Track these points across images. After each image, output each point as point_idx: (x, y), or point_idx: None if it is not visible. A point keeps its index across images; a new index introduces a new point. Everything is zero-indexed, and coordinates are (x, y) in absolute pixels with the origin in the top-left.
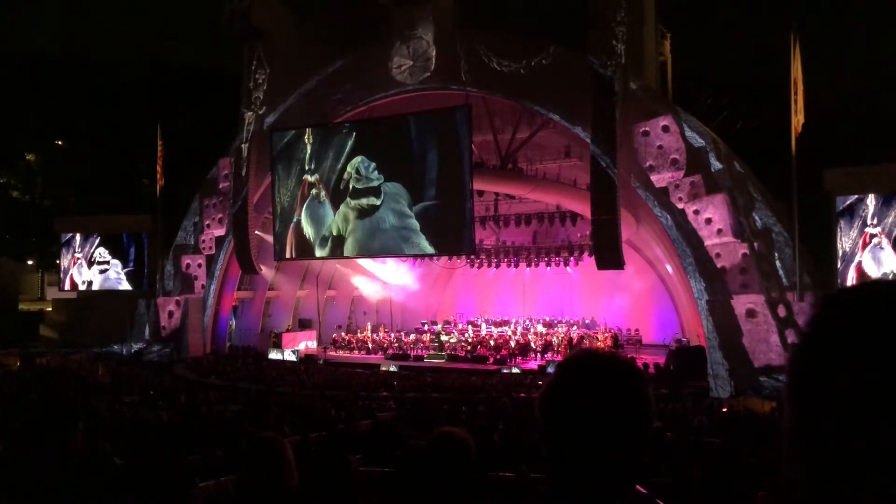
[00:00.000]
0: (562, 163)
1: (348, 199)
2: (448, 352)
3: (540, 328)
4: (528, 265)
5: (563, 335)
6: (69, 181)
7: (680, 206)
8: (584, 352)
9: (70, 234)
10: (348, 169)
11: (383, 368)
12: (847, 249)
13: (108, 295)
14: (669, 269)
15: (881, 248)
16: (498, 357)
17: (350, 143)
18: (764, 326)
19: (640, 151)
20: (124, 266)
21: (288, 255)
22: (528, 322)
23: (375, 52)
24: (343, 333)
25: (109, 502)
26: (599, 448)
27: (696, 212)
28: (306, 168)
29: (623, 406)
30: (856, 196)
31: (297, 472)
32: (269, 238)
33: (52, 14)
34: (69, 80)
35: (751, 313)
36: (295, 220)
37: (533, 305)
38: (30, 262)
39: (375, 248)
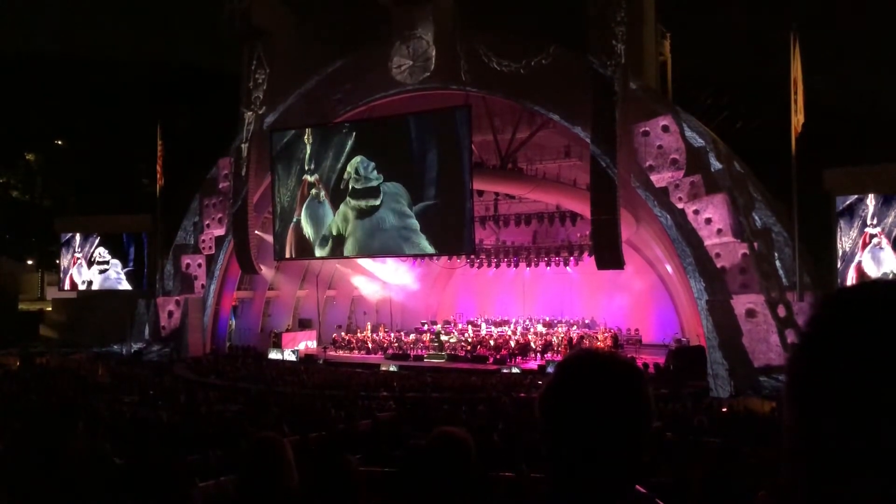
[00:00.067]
0: (562, 163)
1: (348, 198)
2: (448, 352)
3: (540, 328)
4: (528, 265)
5: (562, 335)
6: (69, 181)
7: (680, 205)
8: (584, 352)
9: (70, 234)
10: (348, 169)
11: (383, 368)
12: (847, 249)
13: (108, 295)
14: (669, 268)
15: (881, 248)
16: (498, 357)
17: (350, 142)
18: (764, 326)
19: (640, 151)
20: (124, 266)
21: (287, 255)
22: (527, 322)
23: (375, 52)
24: (343, 333)
25: (109, 502)
26: (599, 448)
27: (696, 212)
28: (306, 168)
29: (623, 406)
30: (856, 196)
31: (297, 472)
32: (269, 238)
33: (52, 14)
34: (69, 80)
35: (750, 313)
36: (294, 220)
37: (533, 305)
38: (30, 262)
39: (375, 247)
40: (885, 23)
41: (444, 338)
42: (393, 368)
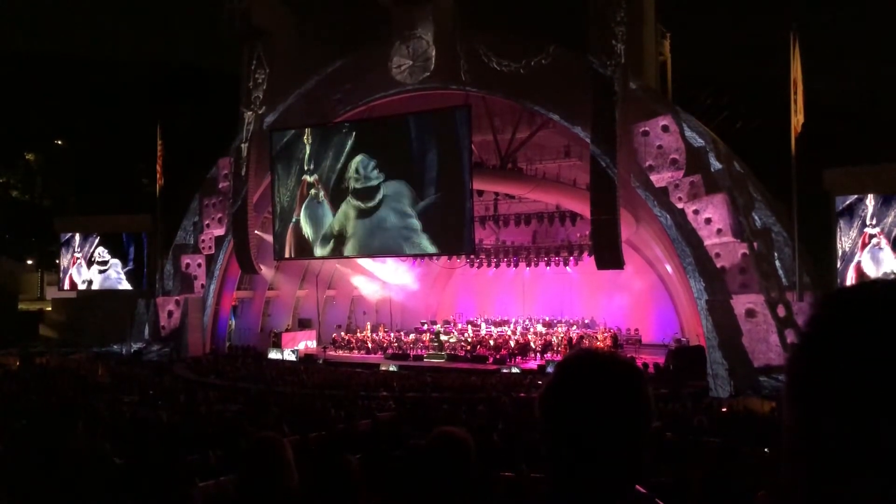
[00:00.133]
0: (561, 163)
1: (349, 198)
2: (448, 351)
3: (539, 328)
4: (528, 265)
5: (562, 335)
6: (69, 181)
7: (679, 205)
8: (584, 351)
9: (70, 234)
10: (350, 168)
11: (383, 368)
12: (847, 249)
13: (108, 295)
14: (669, 268)
15: (880, 248)
16: (497, 357)
17: (350, 142)
18: (763, 326)
19: (640, 151)
20: (124, 265)
21: (287, 255)
22: (527, 322)
23: (375, 52)
24: (343, 333)
25: (109, 502)
26: (599, 448)
27: (696, 212)
28: (305, 168)
29: (622, 406)
30: (855, 196)
31: (297, 472)
32: (269, 238)
33: (52, 14)
34: (69, 80)
35: (750, 313)
36: (294, 220)
37: (532, 305)
38: (29, 262)
39: (376, 247)
40: (885, 23)
41: (443, 338)
42: (393, 368)
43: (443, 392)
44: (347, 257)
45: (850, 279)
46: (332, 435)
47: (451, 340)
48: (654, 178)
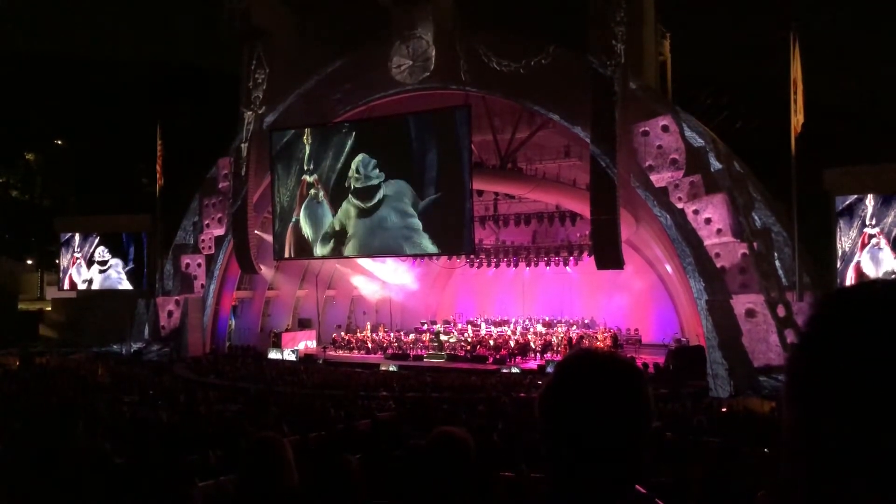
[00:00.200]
0: (561, 162)
1: (350, 197)
2: (447, 351)
3: (539, 328)
4: (528, 265)
5: (562, 335)
6: (69, 181)
7: (679, 205)
8: (584, 351)
9: (69, 234)
10: (351, 167)
11: (383, 368)
12: (846, 249)
13: (108, 294)
14: (669, 268)
15: (879, 248)
16: (497, 357)
17: (349, 142)
18: (763, 326)
19: (640, 151)
20: (125, 265)
21: (286, 255)
22: (527, 322)
23: (375, 51)
24: (342, 333)
25: (109, 502)
26: (599, 448)
27: (696, 211)
28: (305, 168)
29: (622, 406)
30: (855, 196)
31: (297, 472)
32: (269, 238)
33: (53, 14)
34: (69, 80)
35: (750, 313)
36: (293, 220)
37: (532, 305)
38: (29, 262)
39: (376, 246)
40: (886, 23)
41: (443, 338)
42: (392, 368)
43: (443, 392)
44: (347, 257)
45: (850, 279)
46: (331, 435)
47: (451, 340)
48: (653, 178)
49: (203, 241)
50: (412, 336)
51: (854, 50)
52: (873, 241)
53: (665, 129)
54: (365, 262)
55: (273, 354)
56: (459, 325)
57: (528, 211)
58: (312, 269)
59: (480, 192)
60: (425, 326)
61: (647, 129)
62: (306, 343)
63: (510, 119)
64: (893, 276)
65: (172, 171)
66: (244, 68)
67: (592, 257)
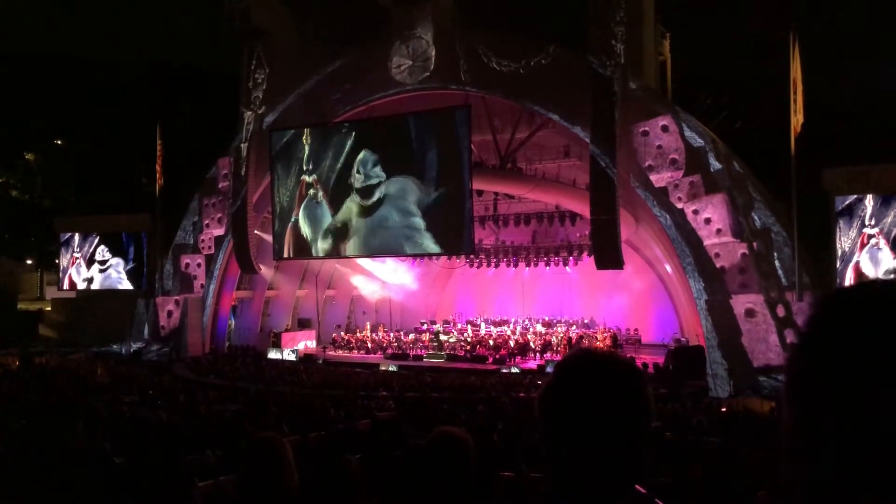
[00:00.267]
0: (561, 162)
1: (353, 194)
2: (447, 351)
3: (539, 328)
4: (528, 265)
5: (562, 335)
6: (69, 181)
7: (679, 205)
8: (583, 351)
9: (69, 234)
10: (354, 165)
11: (382, 368)
12: (846, 249)
13: (107, 294)
14: (668, 268)
15: (878, 248)
16: (497, 357)
17: (349, 142)
18: (763, 326)
19: (640, 151)
20: (126, 264)
21: (286, 255)
22: (527, 322)
23: (375, 51)
24: (342, 333)
25: (109, 502)
26: (599, 448)
27: (696, 211)
28: (304, 168)
29: (622, 406)
30: (855, 196)
31: (297, 472)
32: (269, 238)
33: (53, 14)
34: (69, 80)
35: (750, 313)
36: (293, 219)
37: (532, 305)
38: (29, 262)
39: (376, 246)
40: (886, 23)
41: (443, 337)
42: (392, 368)
43: (442, 392)
44: (347, 257)
45: (849, 279)
46: (331, 435)
47: (451, 340)
48: (653, 178)
49: (203, 240)
50: (412, 336)
51: (854, 50)
52: (872, 241)
53: (665, 129)
54: (365, 262)
55: (273, 354)
56: (459, 325)
57: (527, 211)
58: (312, 268)
59: (480, 192)
60: (425, 326)
61: (646, 129)
62: (306, 343)
63: (510, 119)
64: (893, 276)
65: (172, 170)
66: (244, 68)
67: (592, 257)
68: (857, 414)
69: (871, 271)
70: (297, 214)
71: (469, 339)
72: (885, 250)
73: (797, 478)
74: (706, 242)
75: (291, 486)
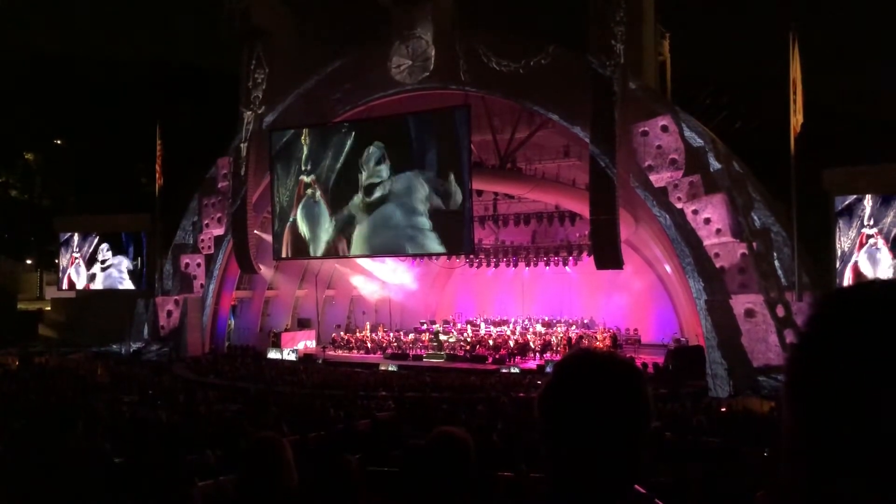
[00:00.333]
0: (561, 162)
1: (360, 192)
2: (447, 351)
3: (539, 328)
4: (527, 265)
5: (561, 335)
6: (68, 180)
7: (679, 205)
8: (583, 351)
9: (69, 234)
10: (363, 156)
11: (382, 368)
12: (846, 249)
13: (107, 294)
14: (668, 268)
15: (877, 248)
16: (497, 357)
17: (349, 142)
18: (763, 326)
19: (639, 151)
20: (129, 264)
21: (284, 255)
22: (526, 322)
23: (374, 51)
24: (342, 333)
25: (109, 502)
26: (598, 448)
27: (695, 212)
28: (302, 168)
29: (622, 406)
30: (854, 196)
31: (297, 471)
32: (268, 237)
33: (53, 14)
34: (69, 80)
35: (749, 313)
36: (291, 219)
37: (532, 305)
38: (29, 262)
39: (377, 244)
40: (886, 23)
41: (443, 337)
42: (392, 368)
43: (442, 392)
44: (346, 257)
45: (848, 279)
46: (331, 435)
47: (451, 340)
48: (653, 178)
49: (202, 240)
50: (412, 336)
51: (854, 50)
52: (871, 241)
53: (664, 129)
54: (364, 262)
55: (272, 354)
56: (459, 325)
57: (527, 211)
58: (312, 268)
59: (480, 192)
60: (425, 326)
61: (646, 129)
62: (306, 343)
63: (510, 119)
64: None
65: (172, 170)
66: (244, 68)
67: (592, 257)
68: (856, 414)
69: (869, 271)
70: (295, 214)
71: (469, 339)
72: (884, 250)
73: (797, 478)
74: (706, 242)
75: (291, 486)
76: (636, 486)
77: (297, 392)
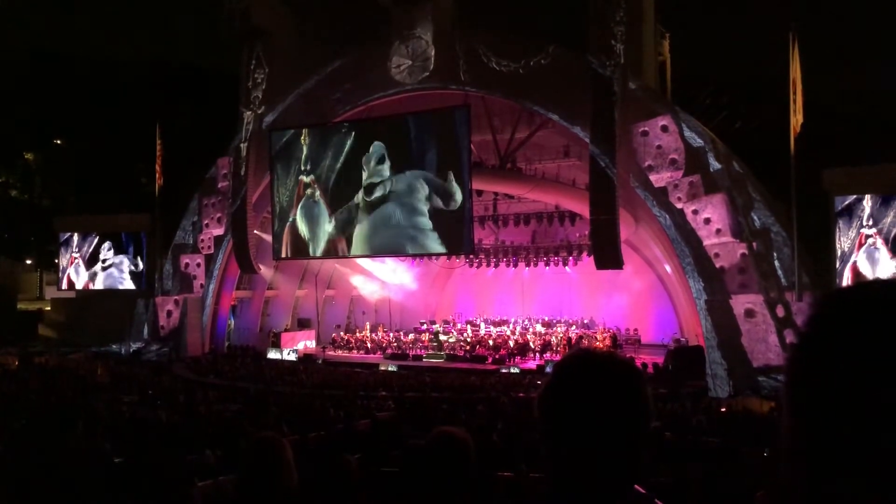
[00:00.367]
0: (561, 162)
1: (361, 191)
2: (447, 351)
3: (539, 328)
4: (527, 265)
5: (561, 335)
6: (68, 180)
7: (679, 205)
8: (582, 351)
9: (69, 234)
10: (362, 161)
11: (382, 368)
12: (846, 249)
13: (107, 294)
14: (668, 268)
15: (876, 248)
16: (497, 357)
17: (349, 142)
18: (762, 326)
19: (639, 151)
20: (133, 265)
21: (283, 255)
22: (526, 322)
23: (374, 51)
24: (342, 333)
25: (109, 502)
26: (598, 448)
27: (695, 212)
28: (302, 169)
29: (621, 406)
30: (854, 196)
31: (297, 471)
32: (268, 237)
33: (53, 14)
34: (69, 80)
35: (749, 313)
36: (290, 219)
37: (532, 305)
38: (28, 262)
39: (377, 244)
40: (885, 23)
41: (443, 338)
42: (392, 368)
43: (442, 392)
44: (345, 257)
45: (847, 279)
46: (331, 435)
47: (451, 340)
48: (653, 178)
49: (202, 240)
50: (411, 336)
51: (854, 50)
52: (870, 240)
53: (664, 129)
54: (364, 262)
55: (272, 354)
56: (459, 325)
57: (527, 211)
58: (312, 268)
59: (480, 192)
60: (424, 326)
61: (646, 129)
62: (305, 343)
63: (510, 119)
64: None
65: (172, 170)
66: (244, 68)
67: (592, 257)
68: (856, 414)
69: (868, 271)
70: (295, 214)
71: (469, 339)
72: (883, 250)
73: (797, 478)
74: (706, 242)
75: (291, 485)
76: (636, 486)
77: (297, 392)
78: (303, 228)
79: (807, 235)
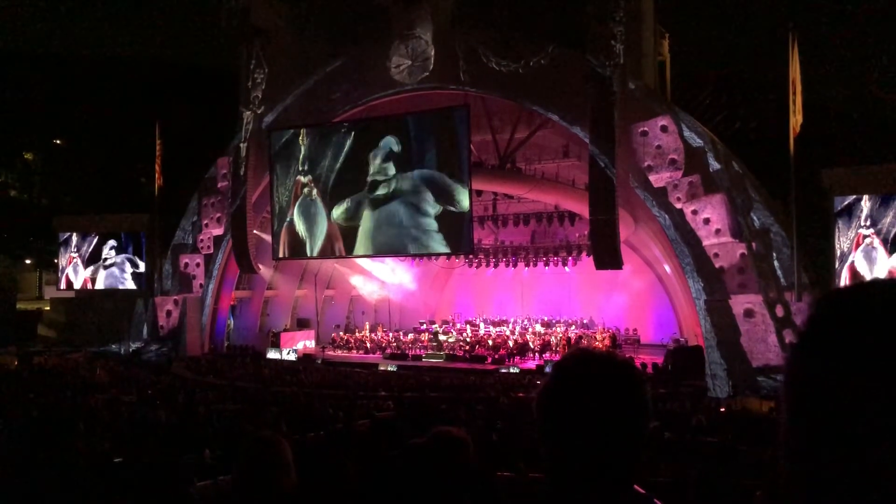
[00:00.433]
0: (560, 162)
1: (366, 189)
2: (446, 351)
3: (538, 328)
4: (527, 265)
5: (561, 335)
6: (67, 180)
7: (678, 205)
8: (582, 351)
9: (68, 234)
10: (368, 158)
11: (381, 368)
12: (845, 249)
13: (107, 294)
14: (668, 268)
15: (873, 247)
16: (496, 357)
17: (349, 142)
18: (762, 326)
19: (639, 151)
20: (133, 265)
21: (281, 255)
22: (526, 322)
23: (374, 51)
24: (341, 333)
25: (108, 502)
26: (597, 448)
27: (695, 212)
28: (300, 169)
29: (621, 406)
30: (854, 196)
31: (296, 471)
32: (268, 237)
33: (52, 13)
34: (69, 79)
35: (749, 313)
36: (288, 219)
37: (531, 305)
38: (28, 262)
39: (379, 243)
40: (885, 23)
41: (442, 337)
42: (391, 368)
43: (441, 392)
44: (343, 257)
45: (845, 280)
46: (330, 435)
47: (450, 340)
48: (652, 178)
49: (202, 240)
50: (411, 336)
51: (854, 50)
52: (867, 240)
53: (664, 129)
54: (364, 262)
55: (272, 354)
56: (458, 325)
57: (526, 211)
58: (311, 268)
59: (479, 192)
60: (424, 326)
61: (645, 129)
62: (305, 343)
63: (509, 119)
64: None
65: (171, 170)
66: (243, 68)
67: (591, 257)
68: (856, 414)
69: (865, 271)
70: (292, 214)
71: (468, 339)
72: (880, 250)
73: (797, 478)
74: (705, 242)
75: (290, 486)
76: (635, 486)
77: (297, 392)
78: (300, 228)
79: (806, 236)
